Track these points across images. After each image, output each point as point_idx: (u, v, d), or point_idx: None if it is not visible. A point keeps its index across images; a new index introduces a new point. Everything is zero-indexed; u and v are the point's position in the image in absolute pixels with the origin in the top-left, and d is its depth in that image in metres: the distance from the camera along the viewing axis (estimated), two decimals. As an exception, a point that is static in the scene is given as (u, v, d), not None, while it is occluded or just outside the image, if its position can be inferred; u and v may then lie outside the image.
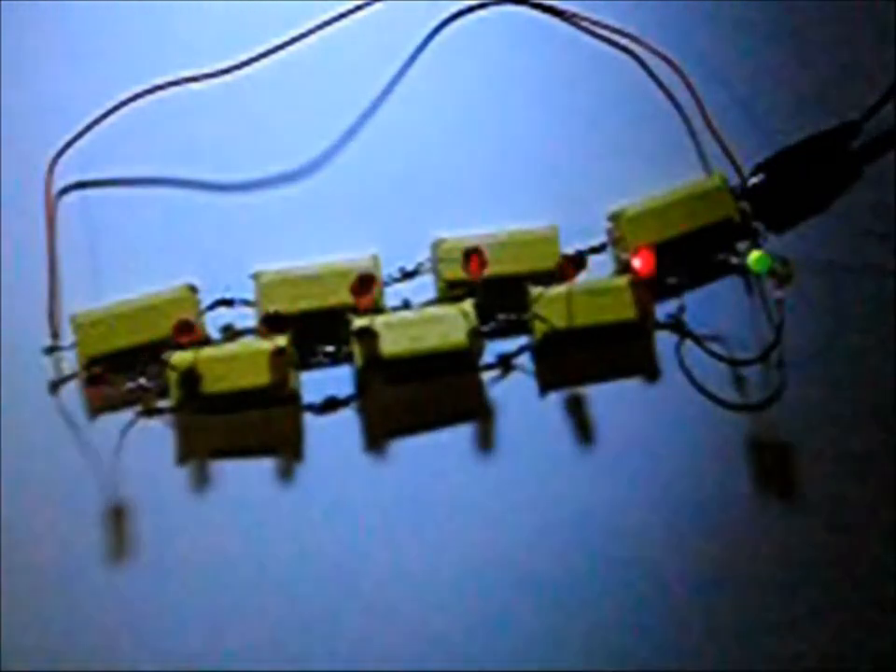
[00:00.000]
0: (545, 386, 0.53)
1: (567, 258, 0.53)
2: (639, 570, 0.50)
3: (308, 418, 0.52)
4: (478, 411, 0.52)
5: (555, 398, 0.53)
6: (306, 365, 0.53)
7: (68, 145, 0.55)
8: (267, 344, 0.51)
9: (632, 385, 0.53)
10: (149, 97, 0.56)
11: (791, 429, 0.52)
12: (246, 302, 0.53)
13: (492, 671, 0.49)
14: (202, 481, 0.51)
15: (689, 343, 0.53)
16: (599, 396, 0.52)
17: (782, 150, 0.56)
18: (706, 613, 0.50)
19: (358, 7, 0.57)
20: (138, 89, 0.56)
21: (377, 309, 0.53)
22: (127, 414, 0.52)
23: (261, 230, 0.55)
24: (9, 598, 0.50)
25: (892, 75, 0.56)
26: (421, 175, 0.56)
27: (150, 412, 0.52)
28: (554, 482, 0.51)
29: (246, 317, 0.53)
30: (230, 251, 0.54)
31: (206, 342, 0.53)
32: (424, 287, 0.54)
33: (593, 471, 0.51)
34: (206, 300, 0.53)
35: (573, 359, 0.53)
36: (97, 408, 0.52)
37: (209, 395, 0.51)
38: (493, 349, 0.53)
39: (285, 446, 0.52)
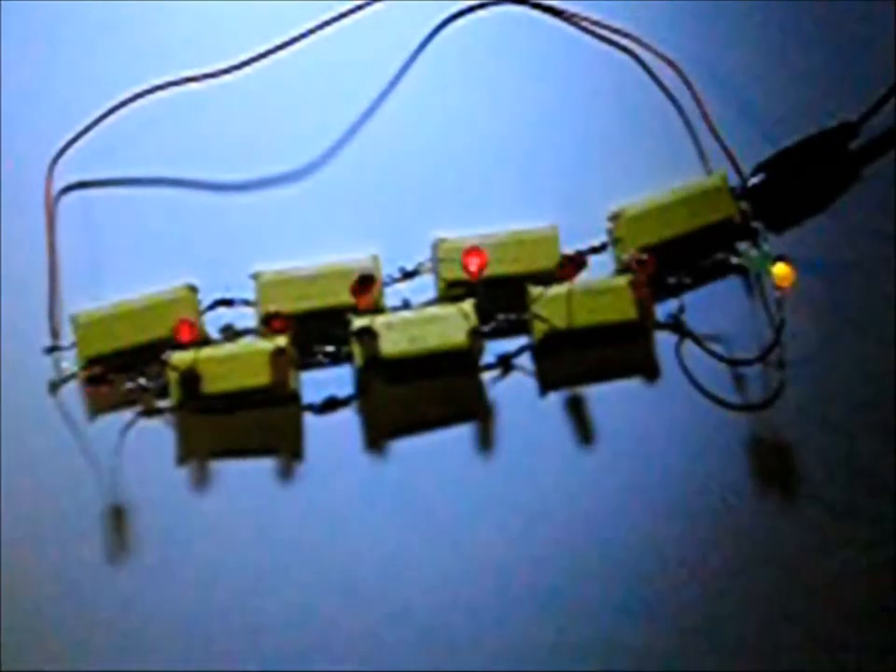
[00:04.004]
0: (545, 386, 0.53)
1: (566, 258, 0.53)
2: (639, 570, 0.50)
3: (308, 418, 0.52)
4: (478, 411, 0.52)
5: (555, 398, 0.53)
6: (306, 365, 0.53)
7: (68, 145, 0.55)
8: (267, 344, 0.51)
9: (632, 385, 0.53)
10: (149, 97, 0.56)
11: (791, 429, 0.52)
12: (246, 302, 0.53)
13: (492, 670, 0.49)
14: (202, 481, 0.51)
15: (689, 342, 0.53)
16: (599, 396, 0.52)
17: (782, 150, 0.56)
18: (706, 613, 0.50)
19: (358, 7, 0.57)
20: (138, 89, 0.56)
21: (377, 309, 0.53)
22: (127, 414, 0.52)
23: (261, 230, 0.55)
24: (9, 598, 0.50)
25: (892, 75, 0.56)
26: (421, 174, 0.56)
27: (150, 412, 0.52)
28: (555, 482, 0.51)
29: (246, 317, 0.53)
30: (230, 251, 0.54)
31: (206, 342, 0.53)
32: (424, 287, 0.54)
33: (593, 471, 0.51)
34: (206, 300, 0.53)
35: (573, 359, 0.53)
36: (97, 408, 0.52)
37: (209, 395, 0.51)
38: (493, 349, 0.53)
39: (285, 446, 0.52)
